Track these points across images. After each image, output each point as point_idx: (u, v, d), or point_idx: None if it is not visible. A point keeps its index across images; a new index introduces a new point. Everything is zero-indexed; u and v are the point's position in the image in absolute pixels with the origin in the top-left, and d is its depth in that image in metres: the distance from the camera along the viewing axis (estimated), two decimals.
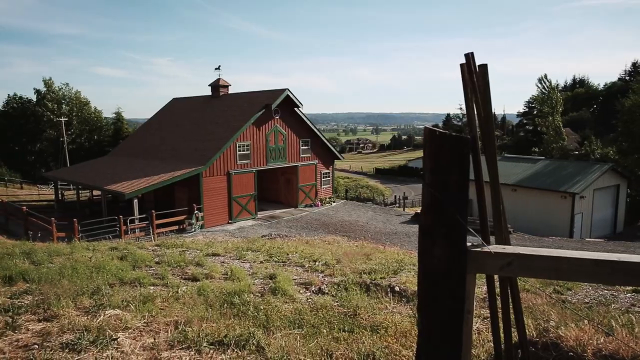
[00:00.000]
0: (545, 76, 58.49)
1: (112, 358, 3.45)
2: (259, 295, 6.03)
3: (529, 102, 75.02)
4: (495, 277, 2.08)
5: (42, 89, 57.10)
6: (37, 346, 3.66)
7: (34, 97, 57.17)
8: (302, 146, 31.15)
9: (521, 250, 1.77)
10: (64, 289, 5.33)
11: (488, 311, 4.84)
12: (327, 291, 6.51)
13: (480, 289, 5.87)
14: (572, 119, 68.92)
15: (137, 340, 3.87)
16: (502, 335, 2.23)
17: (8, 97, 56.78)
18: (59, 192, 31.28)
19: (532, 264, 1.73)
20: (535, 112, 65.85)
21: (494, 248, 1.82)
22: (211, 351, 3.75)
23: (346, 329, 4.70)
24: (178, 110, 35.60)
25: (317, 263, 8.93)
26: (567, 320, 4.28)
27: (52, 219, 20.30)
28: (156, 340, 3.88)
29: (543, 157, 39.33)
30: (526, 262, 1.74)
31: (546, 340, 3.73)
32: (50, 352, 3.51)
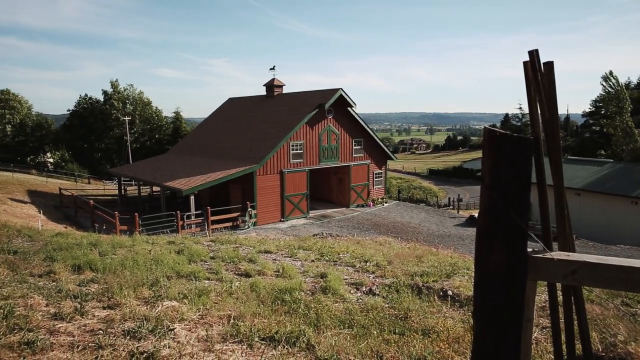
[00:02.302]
0: (611, 73, 54.27)
1: (169, 347, 3.59)
2: (310, 293, 6.07)
3: (595, 101, 70.57)
4: (558, 285, 1.98)
5: (109, 89, 60.65)
6: (101, 332, 3.88)
7: (101, 98, 60.85)
8: (355, 146, 31.07)
9: (588, 258, 1.66)
10: (126, 279, 5.63)
11: (547, 321, 4.61)
12: (377, 292, 6.45)
13: (539, 297, 5.60)
14: None
15: (192, 332, 4.01)
16: (563, 347, 2.12)
17: (80, 97, 60.75)
18: (122, 188, 33.05)
19: (601, 273, 1.62)
20: (602, 112, 61.85)
21: (557, 255, 1.73)
22: (262, 346, 3.82)
23: (397, 331, 4.63)
24: (234, 109, 36.58)
25: (368, 264, 8.87)
26: (638, 336, 3.99)
27: (116, 212, 21.51)
28: (210, 333, 4.00)
29: (611, 160, 36.89)
30: (593, 271, 1.63)
31: (613, 355, 3.50)
32: (114, 338, 3.71)
